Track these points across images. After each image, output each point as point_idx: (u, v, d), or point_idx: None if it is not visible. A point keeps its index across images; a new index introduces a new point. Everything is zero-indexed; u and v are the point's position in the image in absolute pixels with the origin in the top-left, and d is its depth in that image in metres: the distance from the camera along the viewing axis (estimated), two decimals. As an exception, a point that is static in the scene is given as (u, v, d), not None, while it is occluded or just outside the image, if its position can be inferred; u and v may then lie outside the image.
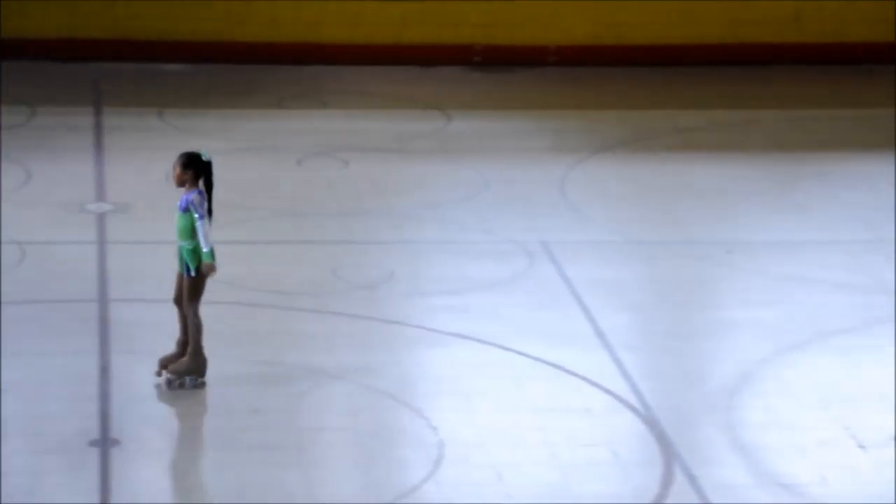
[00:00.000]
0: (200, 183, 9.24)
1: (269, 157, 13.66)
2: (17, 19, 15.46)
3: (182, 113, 14.58)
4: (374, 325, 10.48)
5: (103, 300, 10.58)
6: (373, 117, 14.69)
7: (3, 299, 10.45)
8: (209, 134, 14.03)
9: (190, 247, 9.25)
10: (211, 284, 10.97)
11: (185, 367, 9.38)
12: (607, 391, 9.62)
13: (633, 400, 9.51)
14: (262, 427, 9.08)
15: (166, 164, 13.31)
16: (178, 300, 9.41)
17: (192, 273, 9.29)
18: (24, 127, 14.00)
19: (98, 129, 13.98)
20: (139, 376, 9.56)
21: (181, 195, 9.30)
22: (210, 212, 9.24)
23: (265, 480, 8.55)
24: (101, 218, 12.06)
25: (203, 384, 9.40)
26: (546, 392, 9.64)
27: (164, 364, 9.48)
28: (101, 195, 12.52)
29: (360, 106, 15.03)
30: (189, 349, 9.38)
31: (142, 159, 13.34)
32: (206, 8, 15.70)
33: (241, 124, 14.38)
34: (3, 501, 8.20)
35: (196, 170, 9.23)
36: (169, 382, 9.40)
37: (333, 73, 15.69)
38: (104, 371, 9.63)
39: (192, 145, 13.83)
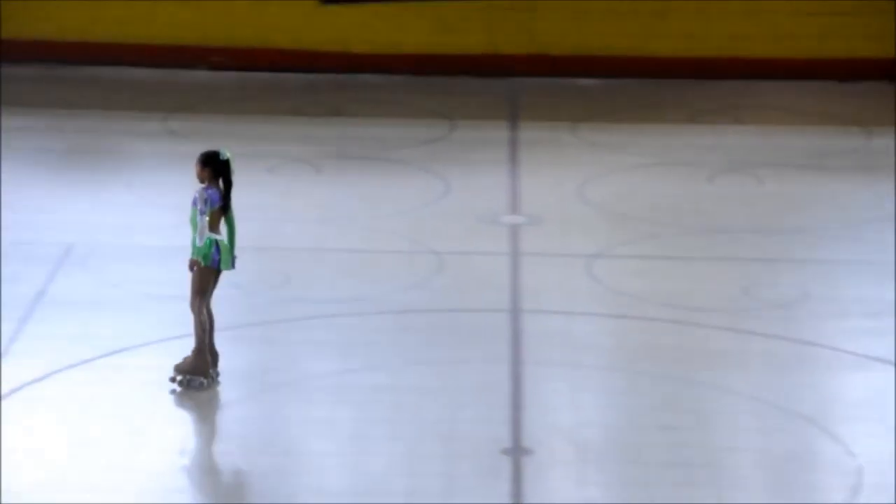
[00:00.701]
0: (220, 181, 9.37)
1: (680, 172, 13.54)
2: (440, 35, 15.89)
3: (594, 127, 14.63)
4: (787, 345, 10.20)
5: (515, 311, 10.70)
6: (788, 133, 14.35)
7: (421, 307, 10.72)
8: (620, 148, 14.03)
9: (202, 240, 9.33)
10: (614, 298, 10.93)
11: (189, 367, 9.32)
12: None
13: None
14: (673, 444, 8.96)
15: (578, 179, 13.44)
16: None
17: (203, 265, 9.28)
18: (444, 140, 14.36)
19: (513, 143, 14.19)
20: (550, 386, 9.60)
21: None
22: (226, 208, 9.35)
23: (674, 497, 8.43)
24: (514, 230, 12.22)
25: (202, 385, 9.28)
26: (973, 422, 9.14)
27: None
28: (514, 208, 12.69)
29: (776, 121, 14.71)
30: (193, 347, 9.31)
31: (554, 173, 13.46)
32: (621, 23, 15.72)
33: (652, 139, 14.31)
34: (414, 501, 8.40)
35: (214, 167, 9.37)
36: (177, 382, 9.34)
37: (748, 87, 15.42)
38: (516, 380, 9.73)
39: (604, 160, 13.96)
